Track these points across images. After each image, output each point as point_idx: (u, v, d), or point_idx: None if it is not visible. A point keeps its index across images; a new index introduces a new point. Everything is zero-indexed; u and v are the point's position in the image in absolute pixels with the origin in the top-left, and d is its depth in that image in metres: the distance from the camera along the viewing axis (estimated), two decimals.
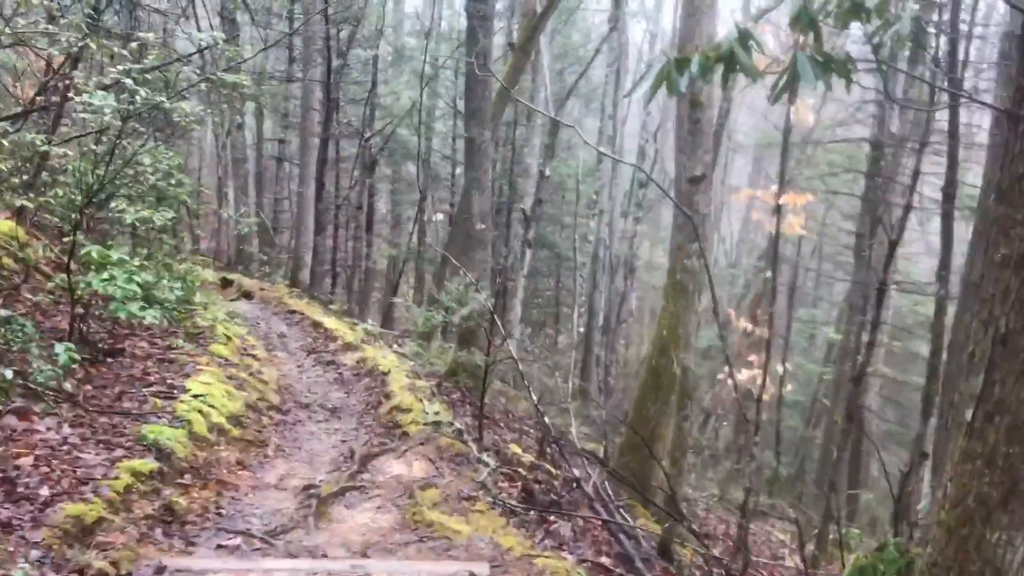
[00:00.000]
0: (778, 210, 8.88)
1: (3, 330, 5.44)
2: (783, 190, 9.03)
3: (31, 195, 8.81)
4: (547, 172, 14.10)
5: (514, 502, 6.01)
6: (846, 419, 9.61)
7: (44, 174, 9.92)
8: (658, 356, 7.94)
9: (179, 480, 5.48)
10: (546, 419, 6.90)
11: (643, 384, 8.04)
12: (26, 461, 4.72)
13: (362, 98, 22.93)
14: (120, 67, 7.52)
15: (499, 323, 7.00)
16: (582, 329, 18.98)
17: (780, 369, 10.50)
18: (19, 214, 10.06)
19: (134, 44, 8.86)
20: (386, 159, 26.84)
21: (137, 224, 9.13)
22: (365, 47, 21.84)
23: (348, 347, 11.85)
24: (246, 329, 12.40)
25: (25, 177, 9.89)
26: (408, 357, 12.22)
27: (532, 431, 9.93)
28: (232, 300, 17.37)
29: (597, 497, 6.33)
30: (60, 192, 9.74)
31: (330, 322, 13.76)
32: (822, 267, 32.57)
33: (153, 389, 6.93)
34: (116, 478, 4.85)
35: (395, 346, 12.56)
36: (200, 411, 6.82)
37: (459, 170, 27.26)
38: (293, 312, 15.36)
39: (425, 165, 24.42)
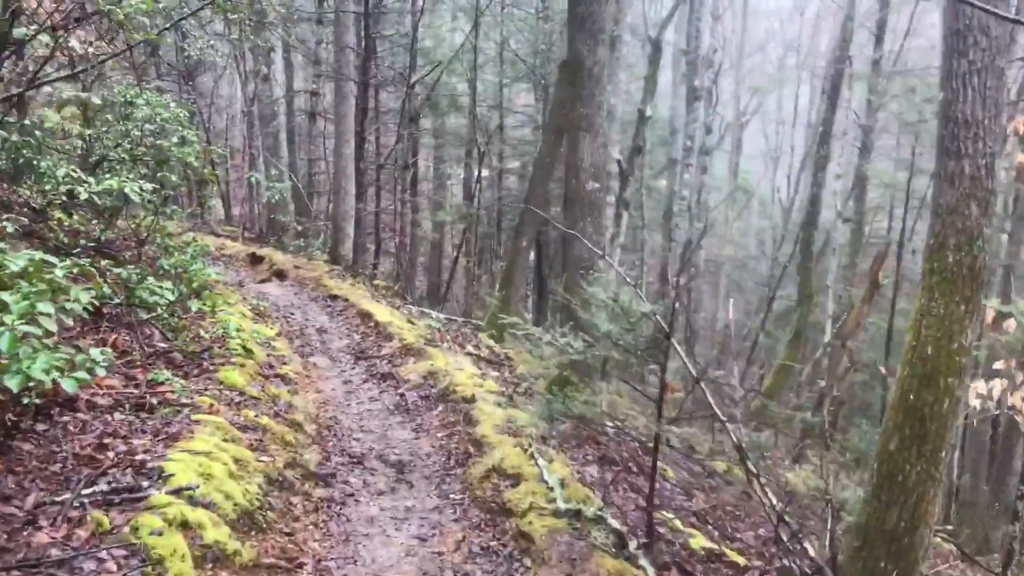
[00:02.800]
0: None
1: None
2: None
3: None
4: (649, 113, 10.97)
5: None
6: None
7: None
8: (919, 388, 4.91)
9: None
10: (793, 524, 3.91)
11: (893, 430, 5.02)
12: None
13: (400, 42, 19.86)
14: None
15: (680, 351, 4.04)
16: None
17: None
18: None
19: None
20: (426, 111, 23.68)
21: (97, 200, 6.22)
22: None
23: (408, 351, 8.95)
24: (275, 328, 9.58)
25: None
26: (485, 360, 9.30)
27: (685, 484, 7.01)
28: (262, 281, 14.62)
29: None
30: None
31: (381, 312, 10.88)
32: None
33: (103, 486, 4.07)
34: None
35: (468, 347, 9.62)
36: (184, 523, 3.96)
37: (508, 120, 24.00)
38: (335, 297, 12.51)
39: (472, 117, 21.34)
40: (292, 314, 11.52)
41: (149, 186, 6.27)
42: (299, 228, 18.99)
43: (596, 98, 7.04)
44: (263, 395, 6.51)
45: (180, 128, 9.51)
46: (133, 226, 10.52)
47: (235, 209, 27.11)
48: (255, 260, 16.34)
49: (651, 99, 11.23)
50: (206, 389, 6.03)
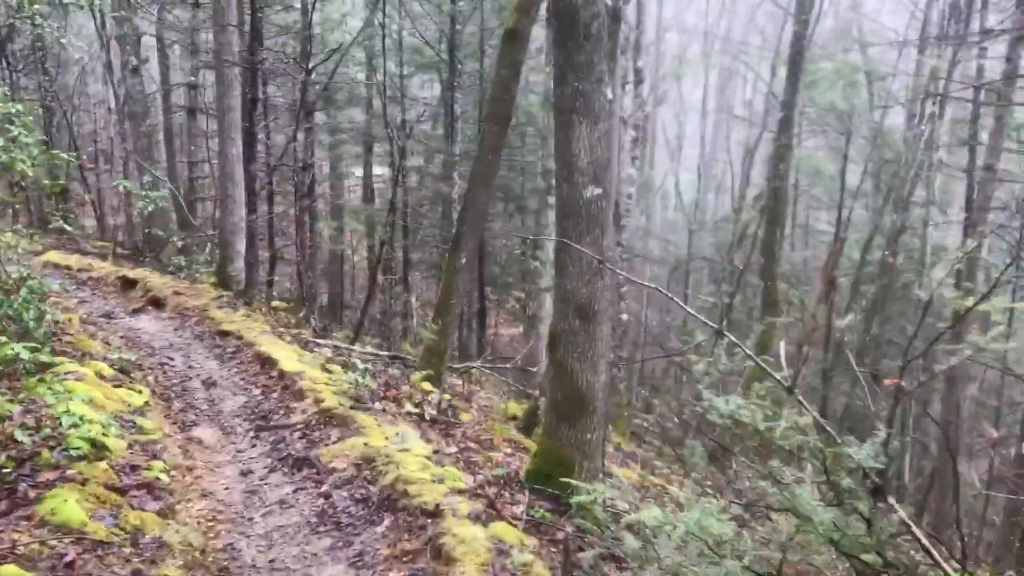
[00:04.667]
0: None
1: None
2: None
3: None
4: (609, 96, 8.99)
5: None
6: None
7: None
8: None
9: None
10: None
11: None
12: None
13: (293, 27, 17.31)
14: None
15: (915, 526, 2.06)
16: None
17: None
18: None
19: None
20: (321, 105, 21.06)
21: None
22: None
23: (329, 417, 6.68)
24: (146, 389, 7.13)
25: None
26: (430, 422, 7.12)
27: None
28: (135, 311, 11.97)
29: None
30: None
31: (286, 356, 8.54)
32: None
33: None
34: None
35: (408, 404, 7.40)
36: None
37: (410, 114, 21.60)
38: (226, 333, 10.04)
39: (382, 108, 18.93)
40: (171, 360, 9.06)
41: None
42: (180, 243, 16.22)
43: (596, 67, 5.00)
44: (116, 534, 4.19)
45: (11, 128, 7.07)
46: None
47: (110, 219, 23.85)
48: (127, 284, 13.61)
49: (611, 80, 9.28)
50: (14, 547, 3.69)
